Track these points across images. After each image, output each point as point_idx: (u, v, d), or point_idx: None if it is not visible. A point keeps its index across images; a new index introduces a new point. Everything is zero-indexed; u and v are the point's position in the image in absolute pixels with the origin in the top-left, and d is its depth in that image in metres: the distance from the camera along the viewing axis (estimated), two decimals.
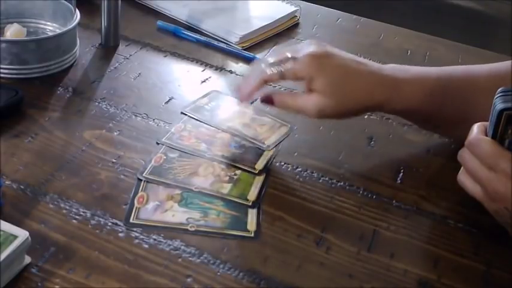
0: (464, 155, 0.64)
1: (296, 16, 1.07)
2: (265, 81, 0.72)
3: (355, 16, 1.14)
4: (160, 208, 0.64)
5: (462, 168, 0.66)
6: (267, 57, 0.73)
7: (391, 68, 0.73)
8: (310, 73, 0.69)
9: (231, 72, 0.90)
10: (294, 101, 0.71)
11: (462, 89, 0.74)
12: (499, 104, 0.60)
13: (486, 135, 0.62)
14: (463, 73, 0.76)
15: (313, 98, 0.69)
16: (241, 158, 0.73)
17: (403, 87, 0.71)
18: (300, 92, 0.72)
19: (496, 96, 0.61)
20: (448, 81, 0.74)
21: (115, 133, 0.74)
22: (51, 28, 0.91)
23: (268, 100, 0.73)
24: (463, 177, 0.65)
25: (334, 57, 0.71)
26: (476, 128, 0.63)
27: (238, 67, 0.92)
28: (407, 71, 0.73)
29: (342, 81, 0.70)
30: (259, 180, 0.70)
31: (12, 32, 0.85)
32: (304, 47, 0.71)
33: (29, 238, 0.55)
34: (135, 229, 0.61)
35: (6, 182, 0.65)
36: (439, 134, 0.79)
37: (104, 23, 0.91)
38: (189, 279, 0.57)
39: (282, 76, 0.70)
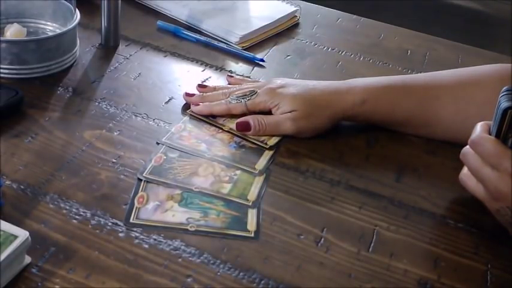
0: (467, 153, 0.64)
1: (296, 16, 1.07)
2: (230, 112, 0.78)
3: (355, 16, 1.14)
4: (160, 208, 0.64)
5: (464, 167, 0.66)
6: (231, 90, 0.80)
7: (349, 81, 0.79)
8: (274, 102, 0.76)
9: (231, 72, 0.90)
10: (269, 119, 0.76)
11: (426, 88, 0.77)
12: (503, 103, 0.60)
13: (490, 134, 0.62)
14: (428, 74, 0.81)
15: (285, 115, 0.75)
16: (241, 158, 0.73)
17: (356, 91, 0.76)
18: (269, 115, 0.77)
19: (500, 95, 0.61)
20: (406, 81, 0.79)
21: (115, 133, 0.74)
22: (51, 28, 0.91)
23: (244, 127, 0.76)
24: (465, 176, 0.65)
25: (291, 83, 0.78)
26: (479, 127, 0.63)
27: (238, 67, 0.92)
28: (356, 80, 0.79)
29: (305, 94, 0.76)
30: (259, 180, 0.70)
31: (12, 32, 0.85)
32: (261, 84, 0.80)
33: (29, 238, 0.55)
34: (135, 229, 0.61)
35: (6, 182, 0.65)
36: (411, 134, 0.80)
37: (104, 23, 0.91)
38: (189, 279, 0.57)
39: (246, 108, 0.77)
